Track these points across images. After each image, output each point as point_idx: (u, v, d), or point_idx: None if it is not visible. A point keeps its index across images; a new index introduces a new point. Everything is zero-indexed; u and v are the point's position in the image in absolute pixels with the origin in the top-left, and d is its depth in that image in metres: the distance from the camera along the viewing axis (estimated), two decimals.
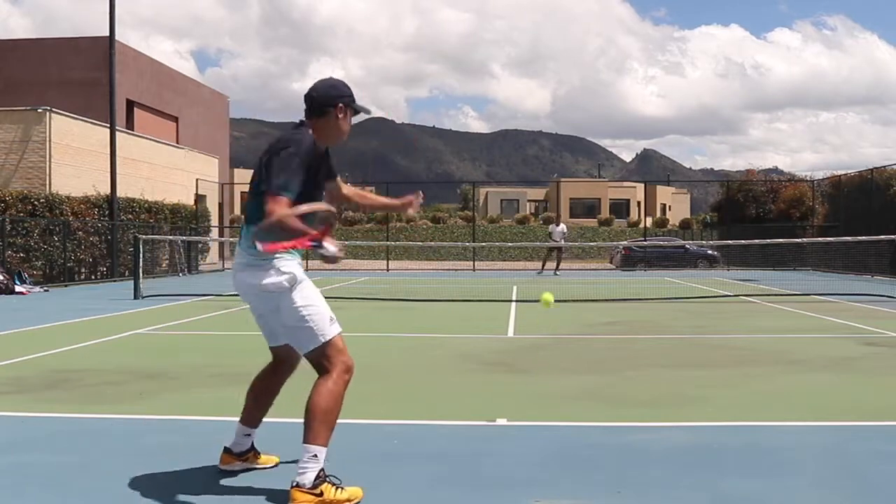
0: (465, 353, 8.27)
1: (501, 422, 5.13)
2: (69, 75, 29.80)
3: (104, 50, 24.85)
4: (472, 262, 32.80)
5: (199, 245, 29.20)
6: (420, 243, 36.43)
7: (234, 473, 3.98)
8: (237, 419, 4.07)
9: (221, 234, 35.22)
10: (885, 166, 26.40)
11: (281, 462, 4.11)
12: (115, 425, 5.17)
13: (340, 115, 3.74)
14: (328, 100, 3.71)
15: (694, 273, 28.12)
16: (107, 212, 23.14)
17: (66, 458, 4.29)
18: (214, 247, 32.05)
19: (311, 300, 3.60)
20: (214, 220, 33.32)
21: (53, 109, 23.26)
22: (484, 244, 37.85)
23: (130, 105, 31.74)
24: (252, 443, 4.03)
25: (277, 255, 3.55)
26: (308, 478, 3.40)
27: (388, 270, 30.51)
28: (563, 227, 27.38)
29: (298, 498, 3.38)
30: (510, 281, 22.46)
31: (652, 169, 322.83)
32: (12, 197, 19.83)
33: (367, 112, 3.95)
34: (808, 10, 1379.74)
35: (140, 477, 3.91)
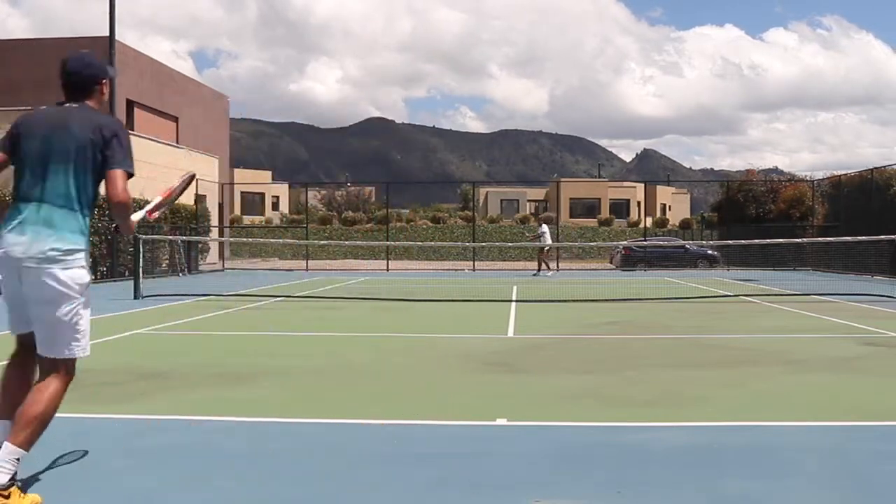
0: (465, 353, 8.27)
1: (501, 422, 5.14)
2: None
3: (104, 50, 24.80)
4: (472, 262, 32.81)
5: (199, 245, 29.20)
6: (420, 243, 36.45)
7: (233, 472, 3.97)
8: (236, 419, 4.07)
9: (221, 234, 35.23)
10: (885, 166, 26.41)
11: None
12: (114, 425, 5.17)
13: (106, 90, 3.81)
14: (92, 78, 3.75)
15: (694, 273, 28.12)
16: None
17: (66, 458, 4.28)
18: (214, 247, 32.06)
19: (88, 309, 3.60)
20: (214, 220, 33.32)
21: None
22: (484, 244, 37.85)
23: (130, 105, 31.73)
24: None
25: (87, 249, 3.58)
26: (3, 479, 3.31)
27: (388, 270, 30.51)
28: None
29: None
30: (510, 281, 22.46)
31: (652, 169, 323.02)
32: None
33: (115, 73, 3.93)
34: (804, 10, 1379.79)
35: (140, 477, 3.91)
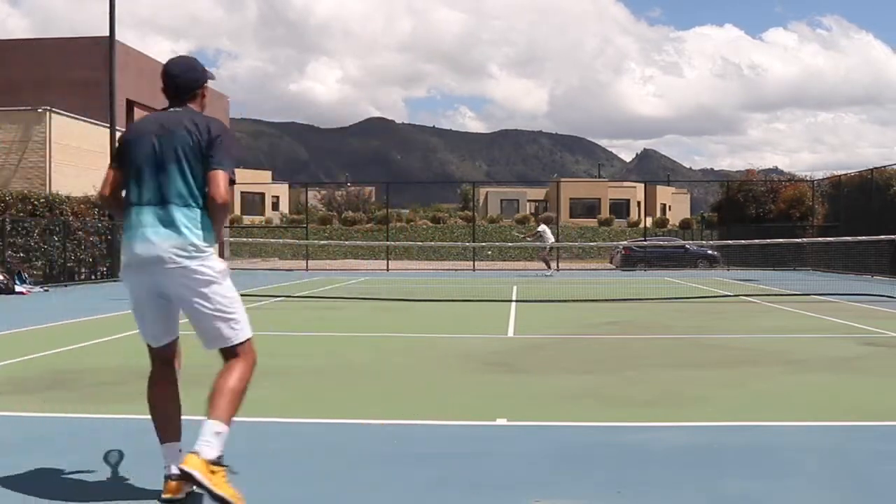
0: (465, 353, 8.27)
1: (501, 422, 5.14)
2: (69, 75, 29.79)
3: (104, 50, 24.85)
4: (472, 262, 32.82)
5: None
6: (420, 243, 36.47)
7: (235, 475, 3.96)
8: (236, 419, 4.05)
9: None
10: (885, 166, 26.41)
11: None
12: (115, 425, 5.17)
13: (206, 94, 3.85)
14: (195, 82, 3.77)
15: (694, 273, 28.13)
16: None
17: (66, 458, 4.28)
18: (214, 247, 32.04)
19: (236, 292, 3.66)
20: None
21: (53, 109, 23.27)
22: (484, 244, 37.84)
23: (130, 105, 31.72)
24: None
25: (214, 244, 3.60)
26: (210, 454, 3.31)
27: (388, 270, 30.52)
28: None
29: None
30: (510, 281, 22.46)
31: (652, 169, 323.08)
32: (12, 197, 19.84)
33: (213, 77, 3.95)
34: (804, 10, 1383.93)
35: (140, 477, 3.91)
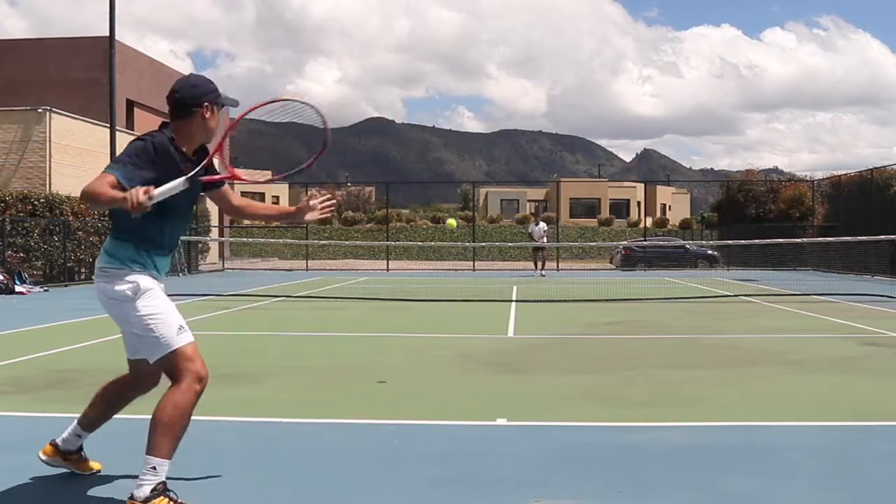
0: (466, 353, 8.27)
1: (501, 422, 5.13)
2: (69, 75, 29.79)
3: (104, 50, 24.84)
4: (472, 262, 32.82)
5: (199, 245, 29.19)
6: (420, 243, 36.47)
7: (233, 472, 3.97)
8: (236, 419, 4.06)
9: (221, 234, 35.23)
10: (885, 166, 26.40)
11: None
12: (114, 425, 5.15)
13: (207, 115, 3.63)
14: (193, 100, 3.59)
15: (694, 273, 28.12)
16: (107, 212, 23.10)
17: None
18: (214, 247, 32.05)
19: (155, 309, 3.51)
20: (214, 220, 33.31)
21: (53, 109, 23.27)
22: (484, 244, 37.84)
23: (130, 105, 31.75)
24: (81, 446, 3.91)
25: (126, 266, 3.51)
26: (144, 491, 3.27)
27: (388, 270, 30.52)
28: (542, 225, 26.73)
29: None
30: (510, 281, 22.46)
31: (651, 168, 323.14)
32: (12, 197, 19.83)
33: (235, 104, 3.76)
34: (801, 10, 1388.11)
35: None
